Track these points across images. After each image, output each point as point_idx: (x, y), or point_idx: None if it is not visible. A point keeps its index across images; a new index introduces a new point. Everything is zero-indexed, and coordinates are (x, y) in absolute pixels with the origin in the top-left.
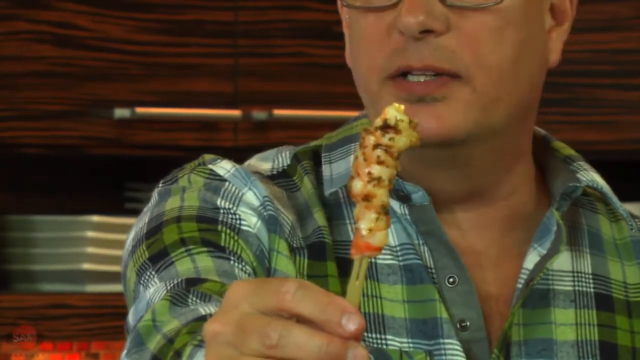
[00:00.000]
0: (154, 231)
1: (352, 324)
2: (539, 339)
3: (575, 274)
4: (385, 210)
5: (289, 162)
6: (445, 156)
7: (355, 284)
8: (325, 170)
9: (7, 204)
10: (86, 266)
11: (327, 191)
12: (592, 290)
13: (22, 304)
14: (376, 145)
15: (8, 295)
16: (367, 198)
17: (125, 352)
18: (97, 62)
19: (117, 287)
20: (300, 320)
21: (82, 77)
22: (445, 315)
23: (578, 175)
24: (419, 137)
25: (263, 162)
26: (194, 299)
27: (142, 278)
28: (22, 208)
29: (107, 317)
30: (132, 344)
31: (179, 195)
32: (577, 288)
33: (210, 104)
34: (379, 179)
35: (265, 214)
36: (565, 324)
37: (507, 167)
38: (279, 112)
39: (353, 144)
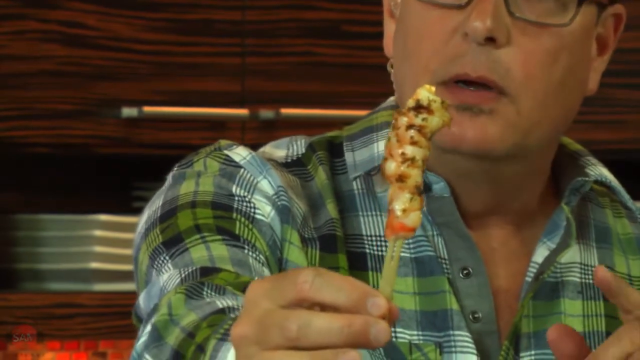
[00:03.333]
0: (168, 215)
1: (376, 309)
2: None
3: (583, 267)
4: (419, 191)
5: (304, 150)
6: (478, 170)
7: (390, 264)
8: (348, 157)
9: (15, 203)
10: (94, 265)
11: (352, 175)
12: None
13: (29, 302)
14: (409, 126)
15: (15, 294)
16: (401, 179)
17: (140, 342)
18: (105, 61)
19: (124, 286)
20: (323, 307)
21: (90, 77)
22: (455, 306)
23: (587, 170)
24: (450, 117)
25: (277, 150)
26: (209, 291)
27: (156, 262)
28: (29, 207)
29: (115, 316)
30: (150, 339)
31: (193, 180)
32: (584, 280)
33: (218, 103)
34: (412, 159)
35: (279, 203)
36: (574, 315)
37: (532, 183)
38: (286, 112)
39: (374, 134)
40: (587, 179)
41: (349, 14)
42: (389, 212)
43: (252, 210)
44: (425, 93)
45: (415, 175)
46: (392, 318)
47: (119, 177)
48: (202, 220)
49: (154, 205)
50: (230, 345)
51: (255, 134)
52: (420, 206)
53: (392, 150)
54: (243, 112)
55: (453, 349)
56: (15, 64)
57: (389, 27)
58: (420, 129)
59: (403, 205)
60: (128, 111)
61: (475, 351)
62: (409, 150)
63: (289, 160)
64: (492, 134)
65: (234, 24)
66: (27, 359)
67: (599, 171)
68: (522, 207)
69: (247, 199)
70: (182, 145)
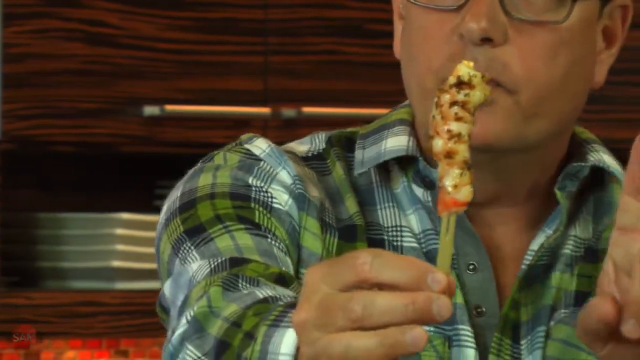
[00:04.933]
0: (187, 206)
1: (436, 285)
2: (544, 306)
3: (577, 239)
4: (468, 165)
5: (324, 145)
6: (481, 160)
7: (446, 239)
8: (358, 155)
9: (38, 201)
10: (116, 264)
11: (357, 171)
12: (582, 251)
13: (51, 301)
14: (452, 103)
15: (38, 292)
16: (449, 155)
17: (178, 333)
18: (127, 59)
19: (146, 285)
20: (382, 287)
21: (113, 75)
22: (460, 300)
23: (588, 156)
24: (491, 89)
25: (300, 145)
26: (244, 283)
27: (180, 251)
28: (52, 205)
29: (137, 314)
30: (191, 330)
31: (211, 173)
32: (575, 253)
33: (240, 101)
34: (459, 135)
35: (296, 191)
36: (567, 290)
37: (538, 176)
38: (308, 110)
39: (386, 131)
40: (583, 164)
41: (372, 13)
42: (440, 190)
43: (270, 199)
44: (465, 69)
45: (462, 151)
46: (451, 292)
47: (141, 176)
48: (222, 210)
49: (173, 196)
50: (284, 330)
51: (278, 133)
52: (471, 180)
53: (438, 128)
54: (265, 110)
55: (458, 343)
56: (38, 62)
57: (398, 29)
58: (463, 105)
59: (454, 181)
60: (150, 110)
61: (474, 345)
62: (454, 126)
63: (309, 155)
64: (494, 127)
65: (257, 23)
66: (49, 357)
67: (599, 157)
68: (527, 200)
69: (264, 189)
70: (205, 144)
